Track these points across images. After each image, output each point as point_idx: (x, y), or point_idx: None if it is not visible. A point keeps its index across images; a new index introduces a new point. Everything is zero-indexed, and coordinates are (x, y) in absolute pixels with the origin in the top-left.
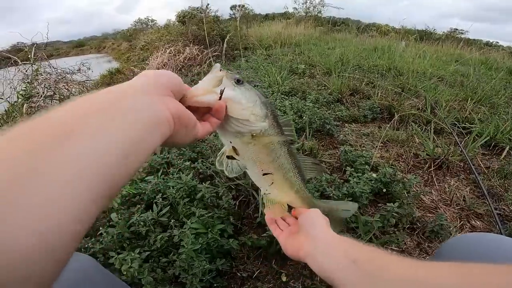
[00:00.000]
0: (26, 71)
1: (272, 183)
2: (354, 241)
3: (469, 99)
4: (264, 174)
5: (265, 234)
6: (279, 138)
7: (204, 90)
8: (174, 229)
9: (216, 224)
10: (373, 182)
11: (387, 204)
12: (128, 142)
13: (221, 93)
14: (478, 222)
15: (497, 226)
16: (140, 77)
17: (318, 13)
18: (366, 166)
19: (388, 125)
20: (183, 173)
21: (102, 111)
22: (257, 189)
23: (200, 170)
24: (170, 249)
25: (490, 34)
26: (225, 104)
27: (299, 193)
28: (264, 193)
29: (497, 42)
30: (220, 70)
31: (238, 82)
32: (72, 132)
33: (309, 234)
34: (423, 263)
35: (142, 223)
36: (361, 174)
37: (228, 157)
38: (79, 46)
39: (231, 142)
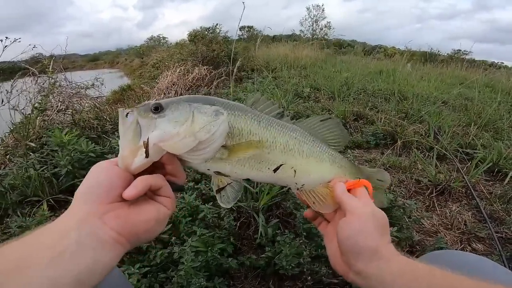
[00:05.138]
0: (43, 83)
1: (295, 171)
2: (411, 272)
3: (473, 124)
4: (275, 170)
5: (263, 255)
6: (254, 125)
7: (131, 152)
8: (174, 246)
9: (217, 243)
10: None
11: None
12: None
13: (146, 145)
14: (479, 245)
15: (498, 248)
16: (75, 202)
17: (324, 35)
18: None
19: (390, 151)
20: (186, 193)
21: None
22: (258, 211)
23: (203, 192)
24: (169, 265)
25: (499, 55)
26: (163, 151)
27: (336, 163)
28: (298, 189)
29: (502, 63)
30: (127, 114)
31: (157, 110)
32: (24, 267)
33: (352, 265)
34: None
35: None
36: None
37: (217, 191)
38: (93, 60)
39: (209, 170)
